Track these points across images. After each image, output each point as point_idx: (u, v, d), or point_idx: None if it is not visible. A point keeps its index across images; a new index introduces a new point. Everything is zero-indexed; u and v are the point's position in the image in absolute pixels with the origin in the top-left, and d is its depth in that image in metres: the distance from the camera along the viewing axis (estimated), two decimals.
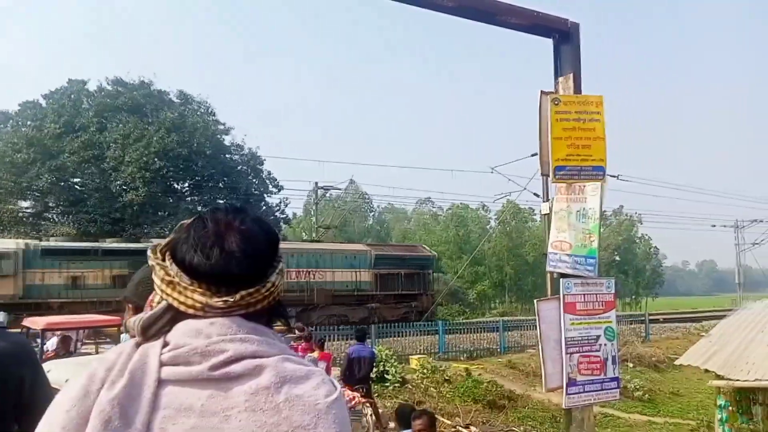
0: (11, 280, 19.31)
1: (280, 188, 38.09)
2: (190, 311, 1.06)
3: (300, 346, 10.52)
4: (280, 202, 39.34)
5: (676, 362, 10.25)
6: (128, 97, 33.26)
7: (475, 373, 15.41)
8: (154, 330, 1.08)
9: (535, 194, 25.58)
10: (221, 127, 36.54)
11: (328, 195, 37.76)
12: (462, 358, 18.47)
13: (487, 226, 56.73)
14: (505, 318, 28.52)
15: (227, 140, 37.10)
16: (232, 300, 1.06)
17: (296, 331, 12.05)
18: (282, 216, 39.68)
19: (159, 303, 1.10)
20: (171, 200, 33.22)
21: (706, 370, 8.94)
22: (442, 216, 63.63)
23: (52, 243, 21.61)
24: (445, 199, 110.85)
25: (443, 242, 53.89)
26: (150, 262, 1.13)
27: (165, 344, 1.05)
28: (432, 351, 18.17)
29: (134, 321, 1.09)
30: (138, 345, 1.07)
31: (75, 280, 20.39)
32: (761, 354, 8.43)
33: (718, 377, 8.47)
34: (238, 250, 1.06)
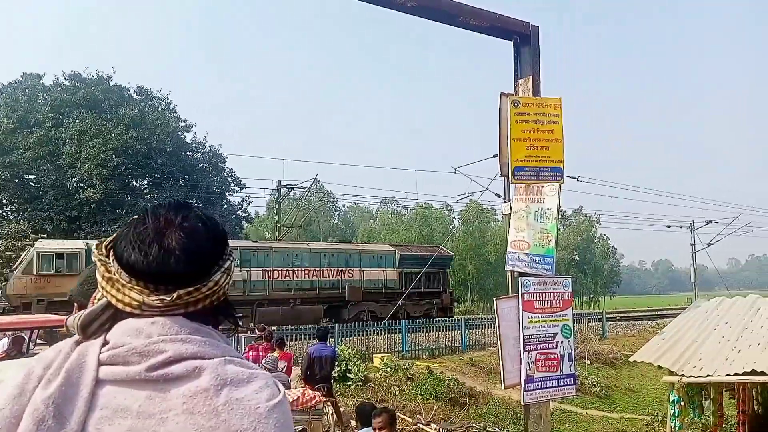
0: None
1: (242, 186, 37.73)
2: (128, 309, 1.04)
3: (261, 346, 10.43)
4: (243, 201, 38.97)
5: (631, 359, 10.47)
6: (86, 92, 32.49)
7: (437, 371, 15.50)
8: (94, 327, 1.05)
9: (496, 194, 25.94)
10: (182, 123, 35.99)
11: (291, 194, 37.53)
12: (424, 357, 18.57)
13: (451, 226, 57.16)
14: (467, 316, 28.89)
15: (188, 137, 36.57)
16: (168, 299, 1.03)
17: (256, 331, 11.94)
18: (244, 214, 39.30)
19: (100, 300, 1.08)
20: (129, 198, 32.55)
21: (660, 367, 9.15)
22: (406, 216, 63.83)
23: None
24: (410, 198, 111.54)
25: (407, 242, 54.06)
26: (93, 258, 1.10)
27: (105, 343, 1.03)
28: (395, 349, 18.23)
29: (74, 318, 1.07)
30: (78, 343, 1.04)
31: None
32: (711, 351, 8.67)
33: (671, 373, 8.67)
34: (177, 248, 1.03)
